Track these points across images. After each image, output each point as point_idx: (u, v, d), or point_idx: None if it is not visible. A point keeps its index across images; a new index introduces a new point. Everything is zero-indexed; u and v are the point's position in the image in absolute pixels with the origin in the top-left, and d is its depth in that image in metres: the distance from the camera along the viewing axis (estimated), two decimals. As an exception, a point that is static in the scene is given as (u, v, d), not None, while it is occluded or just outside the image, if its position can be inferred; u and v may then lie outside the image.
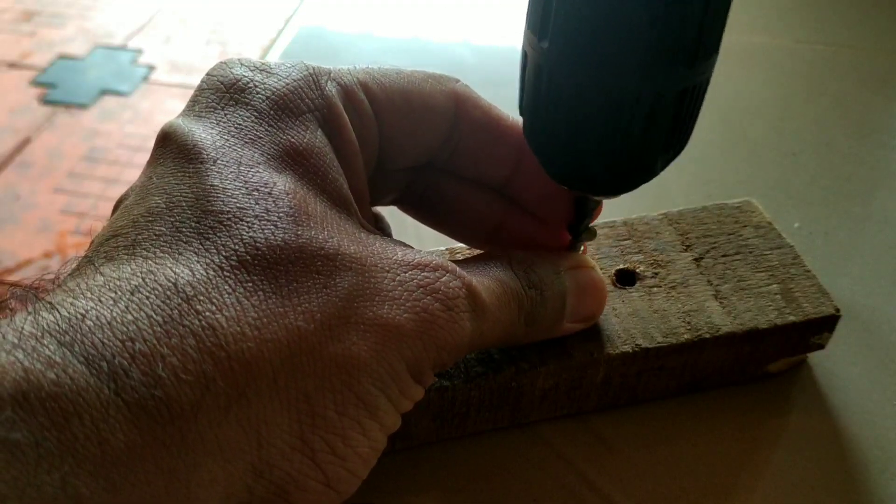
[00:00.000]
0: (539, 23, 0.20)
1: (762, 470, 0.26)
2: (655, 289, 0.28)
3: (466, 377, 0.25)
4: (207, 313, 0.17)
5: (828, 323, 0.28)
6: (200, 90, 0.21)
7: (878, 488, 0.26)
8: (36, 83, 1.60)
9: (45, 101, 1.55)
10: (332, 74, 0.22)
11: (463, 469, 0.26)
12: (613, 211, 0.27)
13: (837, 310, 0.27)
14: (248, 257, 0.18)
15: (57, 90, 1.59)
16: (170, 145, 0.20)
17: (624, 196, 0.23)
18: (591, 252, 0.29)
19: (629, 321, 0.27)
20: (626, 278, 0.29)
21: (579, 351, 0.26)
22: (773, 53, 0.49)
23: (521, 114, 0.23)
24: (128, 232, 0.18)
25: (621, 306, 0.27)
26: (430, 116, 0.24)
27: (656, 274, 0.29)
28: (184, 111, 0.21)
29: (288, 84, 0.21)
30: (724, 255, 0.29)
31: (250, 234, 0.18)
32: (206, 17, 1.81)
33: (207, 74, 0.22)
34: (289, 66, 0.22)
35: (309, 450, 0.18)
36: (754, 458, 0.27)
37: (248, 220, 0.18)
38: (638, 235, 0.30)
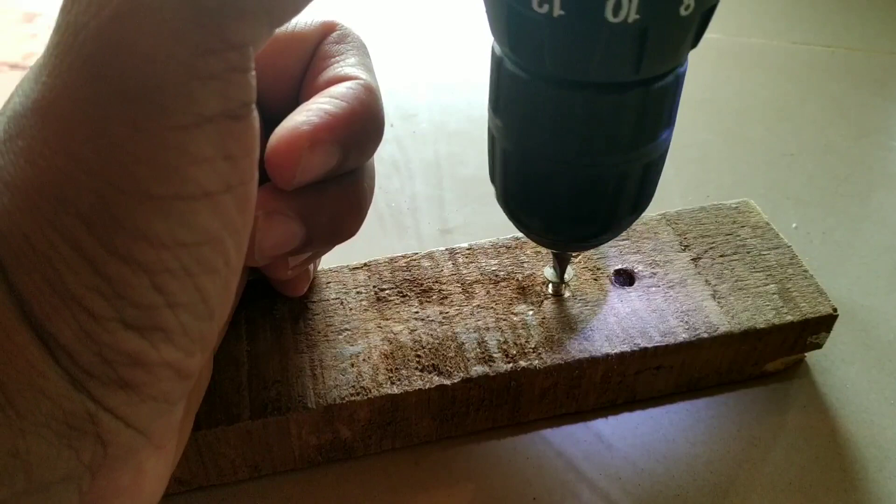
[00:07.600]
0: (493, 100, 0.22)
1: (760, 468, 0.26)
2: (654, 288, 0.28)
3: (466, 376, 0.25)
4: None
5: (825, 322, 0.28)
6: None
7: (876, 487, 0.26)
8: (37, 85, 1.60)
9: (46, 103, 1.55)
10: None
11: (463, 468, 0.27)
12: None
13: (835, 309, 0.28)
14: None
15: (58, 92, 1.59)
16: None
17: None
18: (590, 251, 0.30)
19: (627, 321, 0.27)
20: (624, 278, 0.29)
21: (578, 350, 0.26)
22: (770, 55, 0.49)
23: (492, 181, 0.24)
24: None
25: (619, 306, 0.28)
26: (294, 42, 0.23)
27: (654, 274, 0.29)
28: None
29: None
30: (721, 255, 0.30)
31: None
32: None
33: None
34: None
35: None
36: (752, 457, 0.27)
37: None
38: (636, 236, 0.30)
